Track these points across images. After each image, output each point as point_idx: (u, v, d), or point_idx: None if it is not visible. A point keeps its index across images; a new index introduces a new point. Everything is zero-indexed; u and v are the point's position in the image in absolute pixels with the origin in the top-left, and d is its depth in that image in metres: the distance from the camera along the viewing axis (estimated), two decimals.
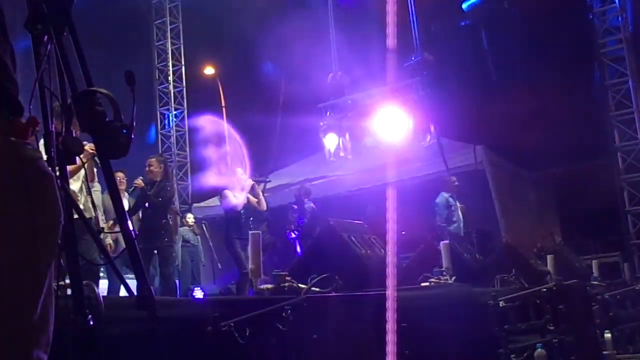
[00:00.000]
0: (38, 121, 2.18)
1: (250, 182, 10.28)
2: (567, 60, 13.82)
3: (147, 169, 9.44)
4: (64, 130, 2.42)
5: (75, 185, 6.44)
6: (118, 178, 9.68)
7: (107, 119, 2.37)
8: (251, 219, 10.22)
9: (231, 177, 10.15)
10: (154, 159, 9.47)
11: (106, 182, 2.45)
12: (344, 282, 5.08)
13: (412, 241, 10.58)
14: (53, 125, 2.37)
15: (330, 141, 15.15)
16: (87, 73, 2.47)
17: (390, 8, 9.36)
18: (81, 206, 6.14)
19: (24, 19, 2.40)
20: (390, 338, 3.73)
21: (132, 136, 2.37)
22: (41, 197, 2.01)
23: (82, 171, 6.19)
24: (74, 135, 2.46)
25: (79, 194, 6.53)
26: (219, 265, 12.30)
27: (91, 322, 2.52)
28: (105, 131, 2.36)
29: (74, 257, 2.41)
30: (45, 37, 2.41)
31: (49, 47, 2.40)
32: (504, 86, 13.53)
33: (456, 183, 12.17)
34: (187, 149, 17.57)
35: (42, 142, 2.34)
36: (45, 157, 2.32)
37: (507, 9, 13.92)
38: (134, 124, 2.38)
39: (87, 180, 6.48)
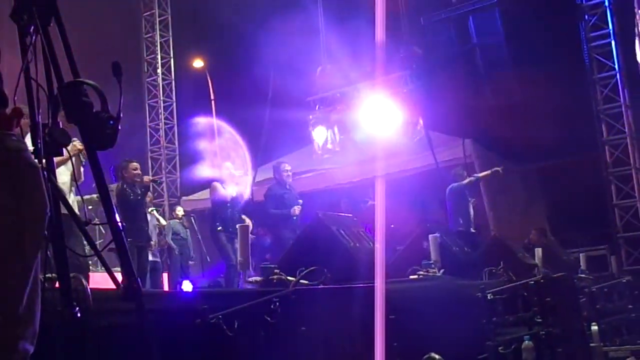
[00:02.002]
0: (23, 112, 2.17)
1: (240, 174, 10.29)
2: (555, 54, 13.84)
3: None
4: (50, 121, 2.41)
5: (62, 177, 6.41)
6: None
7: (94, 110, 2.36)
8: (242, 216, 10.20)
9: (221, 169, 10.16)
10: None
11: (93, 173, 2.42)
12: (333, 274, 5.09)
13: (400, 234, 10.62)
14: (39, 117, 2.35)
15: (319, 134, 15.15)
16: (73, 64, 2.45)
17: (379, 1, 9.35)
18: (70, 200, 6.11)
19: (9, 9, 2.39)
20: (379, 330, 3.74)
21: (119, 127, 2.36)
22: (26, 189, 2.00)
23: (70, 165, 6.16)
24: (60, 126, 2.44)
25: (65, 188, 6.50)
26: (208, 258, 12.28)
27: (79, 314, 2.50)
28: (92, 122, 2.35)
29: (61, 249, 2.40)
30: (31, 27, 2.40)
31: (34, 37, 2.38)
32: (492, 80, 13.56)
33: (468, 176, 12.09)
34: (176, 142, 17.51)
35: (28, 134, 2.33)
36: (31, 148, 2.31)
37: (495, 2, 13.92)
38: (121, 115, 2.37)
39: (75, 179, 6.40)
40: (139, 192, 8.83)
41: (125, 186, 8.71)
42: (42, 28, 2.40)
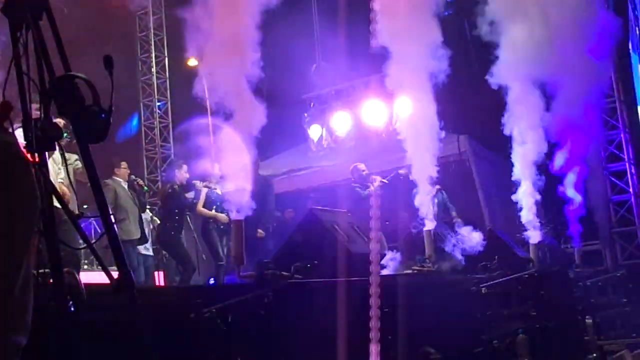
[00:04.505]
0: (12, 105, 2.17)
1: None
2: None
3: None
4: (42, 115, 2.41)
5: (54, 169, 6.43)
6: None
7: (86, 104, 2.37)
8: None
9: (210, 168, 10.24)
10: None
11: (85, 167, 2.44)
12: (327, 269, 5.10)
13: (395, 231, 10.64)
14: (31, 110, 2.36)
15: (315, 132, 15.18)
16: (65, 58, 2.47)
17: None
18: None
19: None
20: (373, 324, 3.76)
21: (111, 121, 2.37)
22: (16, 181, 2.01)
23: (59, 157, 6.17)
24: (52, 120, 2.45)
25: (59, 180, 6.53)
26: (203, 257, 12.27)
27: (72, 309, 2.51)
28: (83, 116, 2.36)
29: (54, 242, 2.41)
30: (23, 22, 2.41)
31: (25, 32, 2.39)
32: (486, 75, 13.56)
33: None
34: (171, 141, 17.49)
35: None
36: (23, 142, 2.32)
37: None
38: (112, 108, 2.38)
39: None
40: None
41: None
42: (34, 22, 2.41)
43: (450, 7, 14.25)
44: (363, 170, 10.87)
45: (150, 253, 11.07)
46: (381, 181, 10.50)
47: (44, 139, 2.37)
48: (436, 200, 11.69)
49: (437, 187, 11.77)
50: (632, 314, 9.13)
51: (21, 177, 2.01)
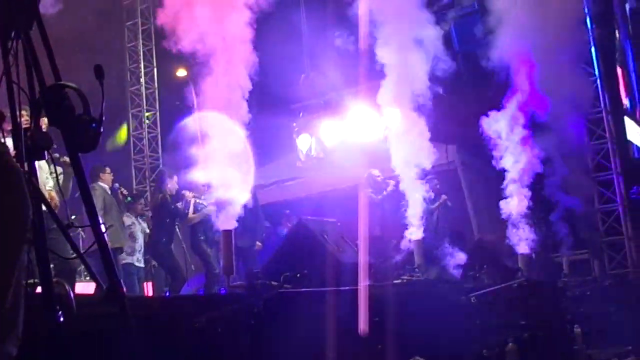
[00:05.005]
0: (4, 115, 2.17)
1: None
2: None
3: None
4: (32, 125, 2.41)
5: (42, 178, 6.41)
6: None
7: (76, 113, 2.37)
8: None
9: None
10: None
11: (76, 175, 2.43)
12: (317, 279, 5.10)
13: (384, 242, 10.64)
14: (21, 120, 2.36)
15: (303, 142, 15.18)
16: (55, 67, 2.47)
17: (362, 9, 9.41)
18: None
19: None
20: (363, 332, 3.76)
21: (101, 130, 2.37)
22: (10, 190, 2.00)
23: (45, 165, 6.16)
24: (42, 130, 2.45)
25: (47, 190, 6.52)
26: (192, 267, 12.23)
27: (61, 319, 2.50)
28: (74, 125, 2.36)
29: (44, 252, 2.40)
30: (13, 32, 2.41)
31: (16, 42, 2.39)
32: (474, 86, 13.62)
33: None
34: (160, 151, 17.45)
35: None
36: (13, 151, 2.31)
37: (477, 9, 14.01)
38: (103, 117, 2.38)
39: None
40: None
41: None
42: (24, 32, 2.41)
43: (441, 19, 14.34)
44: (378, 176, 10.98)
45: (142, 265, 11.03)
46: (394, 185, 10.61)
47: (33, 148, 2.37)
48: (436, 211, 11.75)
49: (444, 197, 11.83)
50: (621, 323, 9.15)
51: (13, 186, 2.01)
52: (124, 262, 10.16)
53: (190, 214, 10.23)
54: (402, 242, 9.56)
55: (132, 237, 10.60)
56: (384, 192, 10.66)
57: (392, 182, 10.91)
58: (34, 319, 2.28)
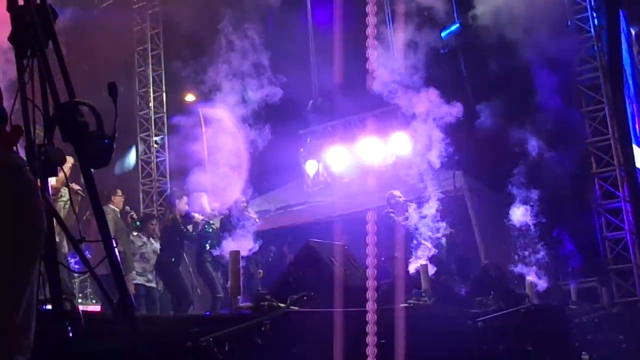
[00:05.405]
0: (23, 130, 2.21)
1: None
2: (543, 88, 14.00)
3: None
4: (46, 141, 2.45)
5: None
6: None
7: (90, 130, 2.41)
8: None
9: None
10: None
11: (88, 191, 2.46)
12: (324, 301, 5.10)
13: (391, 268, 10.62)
14: (35, 137, 2.40)
15: (311, 168, 15.22)
16: (69, 85, 2.51)
17: (370, 35, 9.49)
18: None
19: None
20: (370, 352, 3.76)
21: (114, 146, 2.40)
22: (26, 205, 2.04)
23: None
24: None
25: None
26: (198, 291, 12.22)
27: (70, 334, 2.52)
28: (87, 141, 2.39)
29: (55, 267, 2.42)
30: (29, 50, 2.45)
31: (32, 60, 2.44)
32: (481, 113, 13.67)
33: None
34: (167, 175, 17.51)
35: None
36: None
37: (484, 37, 14.12)
38: (116, 134, 2.41)
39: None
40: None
41: None
42: (40, 50, 2.45)
43: (447, 45, 14.44)
44: (399, 197, 10.93)
45: (154, 285, 10.99)
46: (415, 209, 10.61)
47: (47, 164, 2.40)
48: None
49: (451, 231, 11.77)
50: (628, 351, 9.10)
51: (32, 203, 2.05)
52: (133, 282, 10.16)
53: None
54: (411, 266, 9.54)
55: (143, 257, 10.60)
56: (406, 214, 10.63)
57: (413, 205, 10.90)
58: (43, 332, 2.30)
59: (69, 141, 2.42)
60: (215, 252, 9.79)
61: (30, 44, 2.45)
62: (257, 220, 10.55)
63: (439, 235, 11.48)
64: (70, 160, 4.77)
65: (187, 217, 10.40)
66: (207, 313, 10.16)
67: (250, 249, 9.12)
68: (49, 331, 2.38)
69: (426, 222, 11.03)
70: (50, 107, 2.44)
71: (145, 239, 10.85)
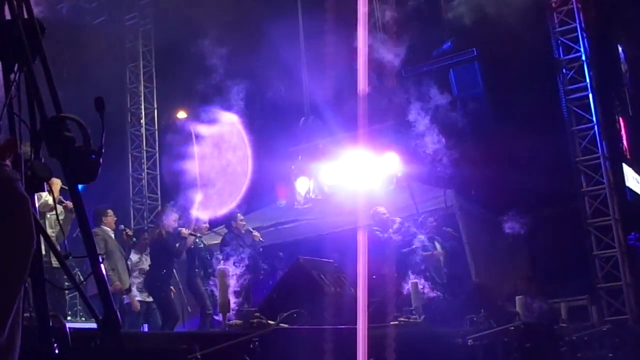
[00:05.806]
0: (16, 142, 2.19)
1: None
2: (534, 107, 14.09)
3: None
4: (32, 155, 2.43)
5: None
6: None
7: (76, 145, 2.39)
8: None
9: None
10: None
11: (74, 207, 2.44)
12: (314, 319, 5.08)
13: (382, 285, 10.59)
14: (22, 151, 2.38)
15: (302, 185, 15.21)
16: (56, 100, 2.49)
17: (361, 52, 9.54)
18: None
19: None
20: None
21: (101, 161, 2.38)
22: (17, 219, 2.01)
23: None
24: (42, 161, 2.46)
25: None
26: (188, 308, 12.14)
27: (56, 351, 2.49)
28: (74, 156, 2.37)
29: (41, 284, 2.40)
30: (16, 65, 2.44)
31: (19, 74, 2.42)
32: (472, 131, 13.74)
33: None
34: (159, 192, 17.48)
35: None
36: None
37: (476, 56, 14.23)
38: (103, 149, 2.40)
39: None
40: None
41: None
42: (27, 65, 2.44)
43: (436, 62, 14.55)
44: (384, 214, 10.98)
45: (151, 299, 10.90)
46: (400, 223, 10.64)
47: (33, 179, 2.39)
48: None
49: (441, 254, 11.73)
50: None
51: (22, 215, 2.02)
52: (136, 299, 10.21)
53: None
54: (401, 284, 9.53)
55: (142, 273, 10.60)
56: (390, 230, 10.66)
57: (398, 220, 10.93)
58: (29, 350, 2.27)
59: (55, 156, 2.41)
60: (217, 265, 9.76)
61: (18, 58, 2.44)
62: (262, 239, 10.60)
63: (427, 253, 11.50)
64: (58, 182, 4.77)
65: (174, 232, 10.34)
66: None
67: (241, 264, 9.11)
68: (35, 349, 2.35)
69: (419, 238, 11.08)
70: (37, 122, 2.43)
71: (141, 254, 10.83)
